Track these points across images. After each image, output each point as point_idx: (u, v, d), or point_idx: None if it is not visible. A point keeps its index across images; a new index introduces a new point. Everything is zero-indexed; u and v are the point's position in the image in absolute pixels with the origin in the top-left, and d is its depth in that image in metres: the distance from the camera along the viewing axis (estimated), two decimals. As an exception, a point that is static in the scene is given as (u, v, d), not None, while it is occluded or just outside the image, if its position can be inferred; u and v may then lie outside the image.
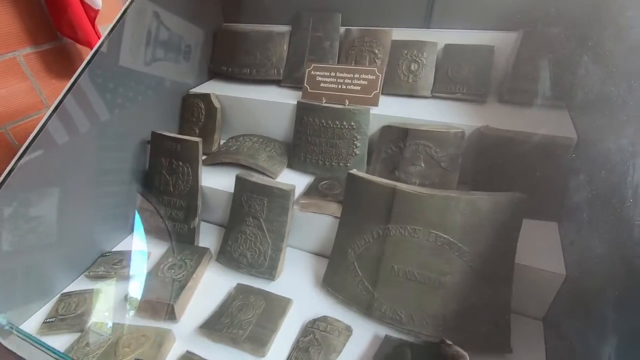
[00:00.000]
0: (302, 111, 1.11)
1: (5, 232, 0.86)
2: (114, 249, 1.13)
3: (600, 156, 0.73)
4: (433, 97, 1.11)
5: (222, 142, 1.31)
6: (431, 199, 0.77)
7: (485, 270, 0.76)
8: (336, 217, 0.94)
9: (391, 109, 1.06)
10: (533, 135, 0.89)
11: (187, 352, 0.82)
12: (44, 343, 0.75)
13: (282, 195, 0.96)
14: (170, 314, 0.89)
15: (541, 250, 0.81)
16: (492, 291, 0.76)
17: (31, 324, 0.91)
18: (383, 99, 1.12)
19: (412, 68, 1.12)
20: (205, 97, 1.26)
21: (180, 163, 1.11)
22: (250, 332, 0.83)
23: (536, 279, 0.78)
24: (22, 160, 0.85)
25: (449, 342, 0.69)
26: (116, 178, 1.14)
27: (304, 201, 0.98)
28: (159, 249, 1.10)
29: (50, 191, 0.95)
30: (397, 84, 1.13)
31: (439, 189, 0.79)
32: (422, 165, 0.97)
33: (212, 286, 0.99)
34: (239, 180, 1.02)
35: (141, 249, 1.10)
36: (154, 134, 1.15)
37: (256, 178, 1.01)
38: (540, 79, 0.99)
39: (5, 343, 0.77)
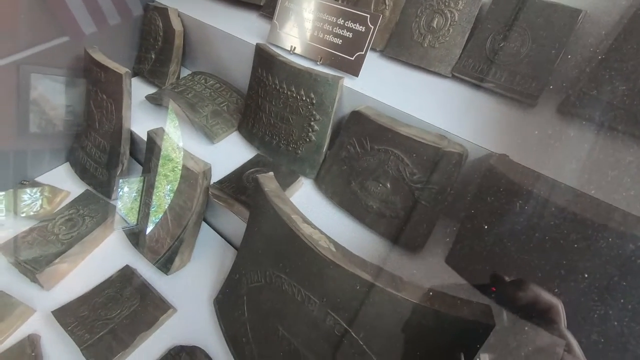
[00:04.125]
0: (259, 60, 0.78)
1: None
2: (37, 178, 0.99)
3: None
4: (452, 77, 0.70)
5: (184, 75, 1.04)
6: (336, 270, 0.46)
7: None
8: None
9: (376, 86, 0.69)
10: (581, 197, 0.49)
11: (28, 337, 0.68)
12: None
13: (189, 177, 0.71)
14: (43, 279, 0.76)
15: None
16: None
17: None
18: (376, 64, 0.74)
19: (435, 24, 0.70)
20: (164, 14, 0.96)
21: (105, 97, 0.88)
22: (98, 340, 0.66)
23: None
24: None
25: None
26: (53, 97, 0.97)
27: (216, 192, 0.72)
28: (79, 190, 0.94)
29: None
30: (405, 45, 0.73)
31: (352, 259, 0.47)
32: (388, 186, 0.63)
33: (106, 256, 0.83)
34: (149, 139, 0.77)
35: (61, 186, 0.95)
36: (85, 52, 0.91)
37: (168, 143, 0.75)
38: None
39: None
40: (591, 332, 0.45)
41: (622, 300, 0.44)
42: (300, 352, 0.54)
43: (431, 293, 0.42)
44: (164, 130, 0.78)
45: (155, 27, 0.99)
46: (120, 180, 0.90)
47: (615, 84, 0.56)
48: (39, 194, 0.92)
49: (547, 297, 0.39)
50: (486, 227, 0.57)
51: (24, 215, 0.88)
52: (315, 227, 0.51)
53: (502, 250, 0.56)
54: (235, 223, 0.77)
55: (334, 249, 0.47)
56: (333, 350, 0.50)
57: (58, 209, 0.90)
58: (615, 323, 0.44)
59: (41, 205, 0.90)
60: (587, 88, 0.58)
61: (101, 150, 0.93)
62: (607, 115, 0.56)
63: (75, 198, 0.91)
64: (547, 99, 0.63)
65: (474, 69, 0.67)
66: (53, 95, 0.96)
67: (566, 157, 0.55)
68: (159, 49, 1.00)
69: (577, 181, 0.51)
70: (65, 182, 0.97)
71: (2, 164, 0.93)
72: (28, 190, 0.93)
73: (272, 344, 0.58)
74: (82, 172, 0.96)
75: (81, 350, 0.65)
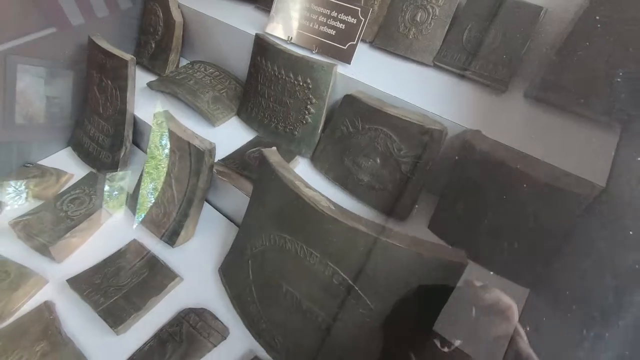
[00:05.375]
0: (258, 49, 0.85)
1: None
2: (39, 161, 1.03)
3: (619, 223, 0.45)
4: (434, 66, 0.79)
5: (182, 64, 1.09)
6: (335, 225, 0.54)
7: (386, 332, 0.55)
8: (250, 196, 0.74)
9: (367, 72, 0.77)
10: (540, 164, 0.59)
11: (45, 303, 0.73)
12: None
13: (196, 154, 0.77)
14: (56, 252, 0.80)
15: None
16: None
17: None
18: (367, 55, 0.82)
19: (418, 18, 0.78)
20: (164, 5, 1.01)
21: (109, 82, 0.93)
22: (113, 304, 0.72)
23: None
24: None
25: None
26: (54, 84, 1.00)
27: (220, 168, 0.78)
28: (82, 172, 0.98)
29: None
30: (392, 37, 0.81)
31: (349, 215, 0.55)
32: (377, 161, 0.71)
33: (113, 232, 0.88)
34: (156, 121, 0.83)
35: (64, 168, 0.99)
36: (89, 40, 0.95)
37: (175, 124, 0.81)
38: (600, 75, 0.63)
39: None
40: (553, 261, 0.54)
41: (571, 237, 0.53)
42: (302, 303, 0.61)
43: (415, 240, 0.50)
44: (169, 113, 0.84)
45: (155, 17, 1.04)
46: (124, 162, 0.96)
47: (569, 71, 0.65)
48: (44, 175, 0.96)
49: (506, 299, 0.46)
50: (463, 194, 0.66)
51: (31, 195, 0.92)
52: (315, 191, 0.58)
53: (478, 214, 0.65)
54: (236, 200, 0.83)
55: (332, 207, 0.55)
56: (332, 298, 0.57)
57: (63, 189, 0.94)
58: (567, 255, 0.54)
59: (47, 187, 0.94)
60: (547, 75, 0.67)
61: (105, 134, 0.97)
62: (562, 98, 0.66)
63: (80, 179, 0.95)
64: (515, 84, 0.72)
65: (453, 58, 0.75)
66: (55, 82, 1.00)
67: (530, 133, 0.64)
68: (159, 38, 1.05)
69: (538, 152, 0.60)
70: (69, 165, 1.01)
71: (5, 148, 0.97)
72: (33, 171, 0.96)
73: (276, 300, 0.65)
74: (86, 155, 1.01)
75: (97, 312, 0.70)
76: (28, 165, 1.00)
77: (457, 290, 0.49)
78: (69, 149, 1.07)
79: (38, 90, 0.98)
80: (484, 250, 0.63)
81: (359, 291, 0.54)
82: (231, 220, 0.90)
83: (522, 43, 0.69)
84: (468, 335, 0.47)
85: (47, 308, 0.72)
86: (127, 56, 0.89)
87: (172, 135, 0.79)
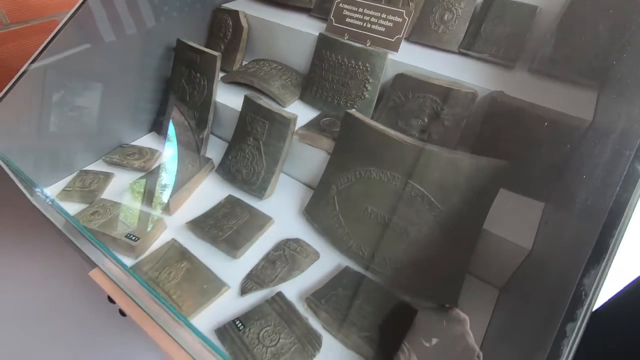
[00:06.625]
0: (322, 44, 1.10)
1: (43, 114, 1.01)
2: (131, 143, 1.24)
3: (604, 145, 0.69)
4: (459, 53, 1.05)
5: (244, 62, 1.33)
6: (414, 150, 0.78)
7: (451, 228, 0.78)
8: (329, 153, 0.97)
9: (410, 58, 1.02)
10: (546, 110, 0.84)
11: (173, 239, 0.93)
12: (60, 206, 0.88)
13: (283, 122, 1.00)
14: (166, 207, 1.00)
15: (515, 224, 0.81)
16: (453, 249, 0.79)
17: (52, 189, 1.05)
18: (406, 47, 1.08)
19: (445, 17, 1.05)
20: (234, 15, 1.26)
21: (198, 75, 1.15)
22: (229, 236, 0.92)
23: (501, 248, 0.80)
24: (59, 55, 0.96)
25: (448, 305, 0.72)
26: (141, 80, 1.22)
27: (302, 132, 1.01)
28: (170, 150, 1.19)
29: (81, 85, 1.07)
30: (425, 33, 1.08)
31: (423, 142, 0.79)
32: (425, 120, 0.96)
33: (207, 192, 1.08)
34: (246, 100, 1.05)
35: (153, 147, 1.20)
36: (179, 42, 1.18)
37: (263, 101, 1.04)
38: (579, 52, 0.91)
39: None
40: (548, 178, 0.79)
41: (570, 158, 0.78)
42: (385, 217, 0.84)
43: (471, 155, 0.74)
44: (256, 93, 1.07)
45: (225, 24, 1.28)
46: (206, 140, 1.17)
47: (560, 51, 0.93)
48: (141, 152, 1.16)
49: (461, 314, 0.66)
50: (490, 133, 0.91)
51: (135, 166, 1.12)
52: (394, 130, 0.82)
53: (503, 147, 0.89)
54: (306, 165, 1.05)
55: (406, 139, 0.79)
56: (409, 207, 0.80)
57: (156, 164, 1.14)
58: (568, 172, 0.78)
59: (146, 160, 1.14)
60: (545, 54, 0.95)
61: (190, 117, 1.19)
62: (554, 70, 0.93)
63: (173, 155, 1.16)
64: (522, 62, 0.99)
65: (473, 46, 1.02)
66: (140, 77, 1.22)
67: (533, 92, 0.90)
68: (227, 41, 1.29)
69: (540, 102, 0.86)
70: (155, 146, 1.22)
71: (107, 131, 1.17)
72: (131, 149, 1.17)
73: (362, 220, 0.87)
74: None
75: (218, 242, 0.91)
76: (124, 145, 1.20)
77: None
78: (152, 133, 1.28)
79: (128, 84, 1.19)
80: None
81: (431, 197, 0.78)
82: (301, 182, 1.12)
83: (524, 32, 0.97)
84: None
85: (175, 242, 0.92)
86: (216, 53, 1.12)
87: (263, 109, 1.02)
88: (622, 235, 0.43)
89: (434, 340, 0.66)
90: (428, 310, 0.73)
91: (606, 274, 0.43)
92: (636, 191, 0.44)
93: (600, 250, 0.43)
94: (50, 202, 0.92)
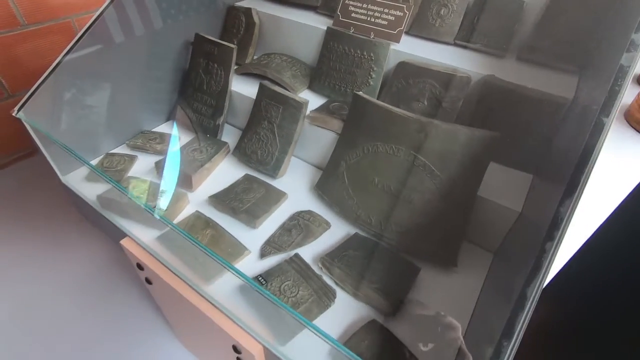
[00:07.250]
0: (330, 36, 1.20)
1: (71, 102, 1.10)
2: (152, 130, 1.33)
3: (581, 115, 0.80)
4: (455, 44, 1.16)
5: (255, 56, 1.43)
6: (416, 123, 0.87)
7: (449, 194, 0.88)
8: (338, 133, 1.07)
9: (411, 48, 1.13)
10: (533, 91, 0.95)
11: (197, 211, 1.02)
12: (106, 175, 0.96)
13: (296, 106, 1.10)
14: (188, 184, 1.09)
15: (507, 191, 0.91)
16: (452, 213, 0.88)
17: (81, 170, 1.14)
18: (406, 39, 1.18)
19: (442, 12, 1.16)
20: (247, 12, 1.37)
21: (215, 65, 1.25)
22: (248, 208, 1.01)
23: (494, 212, 0.90)
24: (85, 50, 1.06)
25: (443, 313, 0.78)
26: (160, 71, 1.32)
27: (313, 115, 1.11)
28: (187, 136, 1.29)
29: (107, 77, 1.17)
30: (423, 26, 1.19)
31: (425, 117, 0.89)
32: (425, 102, 1.06)
33: (225, 172, 1.17)
34: (261, 86, 1.15)
35: (173, 133, 1.29)
36: (197, 35, 1.28)
37: (277, 87, 1.14)
38: (562, 41, 1.02)
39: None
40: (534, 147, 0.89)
41: (555, 133, 0.88)
42: (391, 186, 0.93)
43: (467, 127, 0.84)
44: (270, 81, 1.17)
45: (238, 21, 1.38)
46: (222, 126, 1.27)
47: (543, 40, 1.04)
48: (162, 137, 1.25)
49: (453, 321, 0.72)
50: (483, 112, 1.01)
51: (156, 150, 1.21)
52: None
53: (493, 124, 0.99)
54: (316, 148, 1.15)
55: (409, 114, 0.89)
56: (413, 176, 0.90)
57: (177, 148, 1.24)
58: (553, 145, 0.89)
59: (166, 144, 1.23)
60: (530, 43, 1.06)
61: (208, 105, 1.28)
62: (538, 57, 1.04)
63: (190, 140, 1.25)
64: (511, 52, 1.10)
65: (467, 37, 1.13)
66: (167, 68, 1.32)
67: (521, 76, 1.00)
68: (240, 36, 1.40)
69: (526, 84, 0.96)
70: (176, 132, 1.31)
71: (130, 118, 1.26)
72: (152, 135, 1.26)
73: (370, 191, 0.97)
74: (190, 123, 1.31)
75: (238, 214, 1.00)
76: (145, 131, 1.29)
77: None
78: (170, 121, 1.37)
79: (149, 76, 1.29)
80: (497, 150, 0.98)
81: (432, 166, 0.88)
82: (310, 164, 1.21)
83: (513, 24, 1.08)
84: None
85: (199, 213, 1.01)
86: (232, 45, 1.22)
87: (277, 94, 1.12)
88: (591, 172, 0.53)
89: (430, 345, 0.75)
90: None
91: (577, 204, 0.52)
92: (602, 137, 0.54)
93: (573, 184, 0.53)
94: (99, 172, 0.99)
